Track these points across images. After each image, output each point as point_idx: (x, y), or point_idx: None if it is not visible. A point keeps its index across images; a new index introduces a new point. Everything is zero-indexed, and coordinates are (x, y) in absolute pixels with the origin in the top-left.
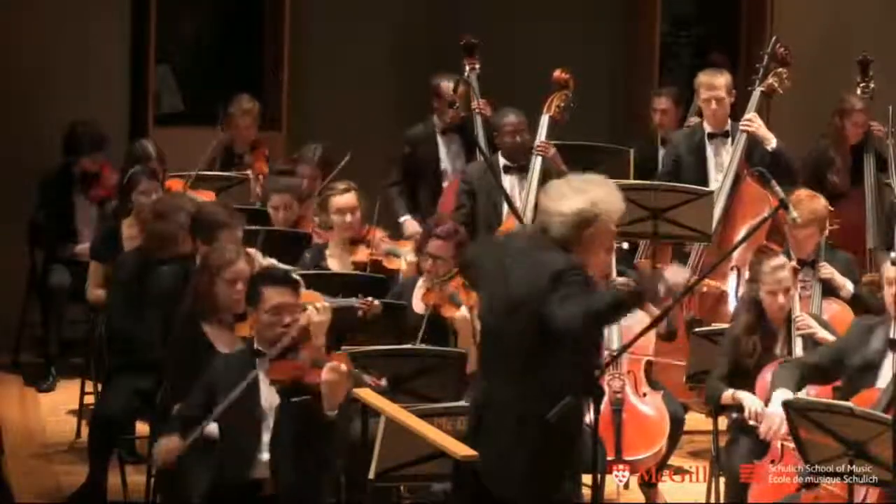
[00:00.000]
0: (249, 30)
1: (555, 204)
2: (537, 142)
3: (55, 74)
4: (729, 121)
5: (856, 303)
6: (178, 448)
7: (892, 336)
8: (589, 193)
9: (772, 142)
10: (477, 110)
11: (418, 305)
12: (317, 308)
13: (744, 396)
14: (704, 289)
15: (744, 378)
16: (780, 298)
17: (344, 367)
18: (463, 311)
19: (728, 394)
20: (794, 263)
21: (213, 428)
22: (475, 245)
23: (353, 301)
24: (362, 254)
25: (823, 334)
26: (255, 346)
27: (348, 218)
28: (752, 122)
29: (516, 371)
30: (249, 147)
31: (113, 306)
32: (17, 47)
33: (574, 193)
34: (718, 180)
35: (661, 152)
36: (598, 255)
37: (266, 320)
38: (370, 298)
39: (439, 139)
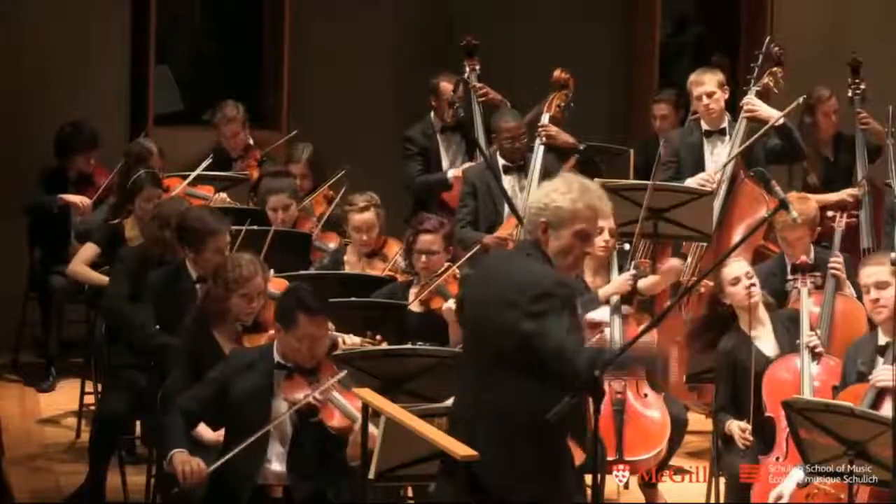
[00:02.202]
0: (249, 30)
1: (527, 214)
2: (539, 126)
3: (55, 74)
4: (726, 118)
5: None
6: (203, 472)
7: (879, 344)
8: (544, 190)
9: (779, 119)
10: (477, 93)
11: (414, 305)
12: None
13: (734, 431)
14: (702, 289)
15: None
16: (744, 282)
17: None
18: (450, 304)
19: (728, 424)
20: (794, 262)
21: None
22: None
23: (359, 340)
24: (378, 269)
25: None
26: (276, 358)
27: (364, 237)
28: (752, 104)
29: (502, 376)
30: (242, 151)
31: (114, 289)
32: (17, 47)
33: (535, 196)
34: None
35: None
36: (570, 251)
37: (295, 346)
38: (378, 337)
39: (439, 138)
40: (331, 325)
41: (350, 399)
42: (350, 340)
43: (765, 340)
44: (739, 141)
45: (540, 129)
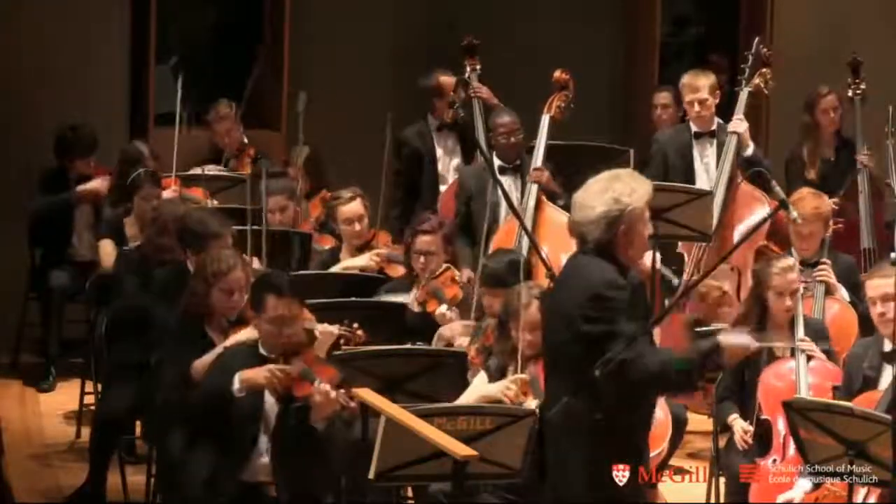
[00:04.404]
0: (249, 30)
1: (582, 214)
2: (531, 169)
3: (55, 74)
4: (716, 121)
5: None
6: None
7: (884, 350)
8: (608, 192)
9: (748, 149)
10: (475, 94)
11: (413, 305)
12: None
13: (737, 429)
14: (703, 289)
15: (746, 380)
16: (788, 300)
17: (331, 391)
18: (442, 308)
19: (731, 419)
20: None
21: None
22: None
23: (335, 329)
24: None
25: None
26: (260, 349)
27: (356, 227)
28: (742, 123)
29: (568, 378)
30: (236, 150)
31: (128, 288)
32: (17, 47)
33: (596, 198)
34: (705, 180)
35: None
36: (640, 244)
37: (267, 329)
38: (355, 325)
39: (435, 137)
40: (309, 316)
41: (319, 369)
42: (325, 329)
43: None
44: (733, 147)
45: (533, 172)
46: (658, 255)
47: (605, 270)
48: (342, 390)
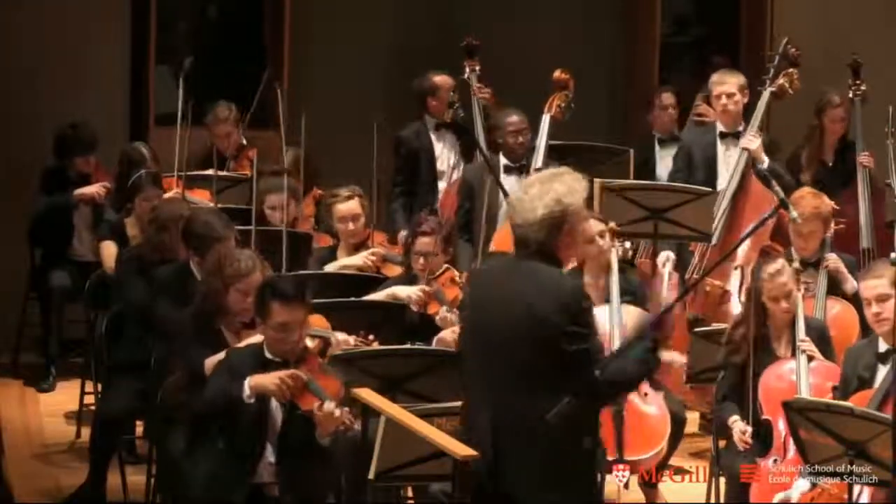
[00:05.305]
0: (250, 30)
1: (523, 216)
2: (532, 169)
3: (54, 74)
4: (742, 122)
5: (857, 301)
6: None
7: (879, 350)
8: (549, 193)
9: (763, 164)
10: (477, 96)
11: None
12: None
13: (735, 431)
14: (708, 288)
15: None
16: (783, 303)
17: (336, 410)
18: (443, 311)
19: (731, 420)
20: (796, 265)
21: None
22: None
23: (351, 339)
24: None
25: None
26: (265, 352)
27: (351, 226)
28: (755, 140)
29: (527, 388)
30: (235, 151)
31: (136, 293)
32: (17, 47)
33: (537, 199)
34: (726, 180)
35: (658, 150)
36: (578, 245)
37: (272, 336)
38: (371, 337)
39: (432, 136)
40: (326, 324)
41: (324, 380)
42: (342, 338)
43: (781, 344)
44: (738, 172)
45: (533, 173)
46: (672, 255)
47: (565, 278)
48: (347, 409)
